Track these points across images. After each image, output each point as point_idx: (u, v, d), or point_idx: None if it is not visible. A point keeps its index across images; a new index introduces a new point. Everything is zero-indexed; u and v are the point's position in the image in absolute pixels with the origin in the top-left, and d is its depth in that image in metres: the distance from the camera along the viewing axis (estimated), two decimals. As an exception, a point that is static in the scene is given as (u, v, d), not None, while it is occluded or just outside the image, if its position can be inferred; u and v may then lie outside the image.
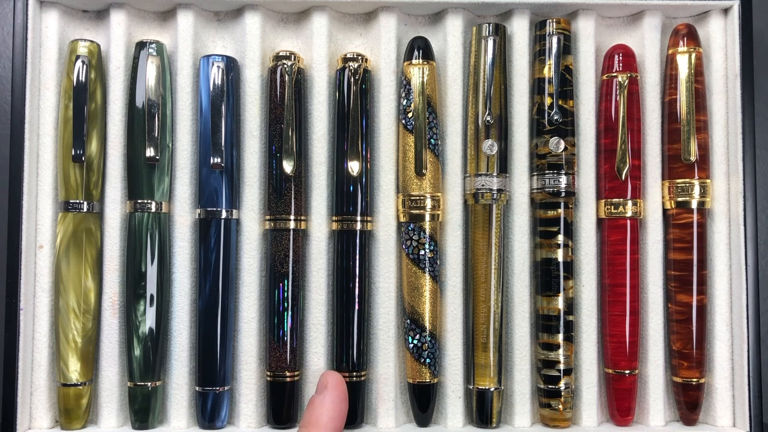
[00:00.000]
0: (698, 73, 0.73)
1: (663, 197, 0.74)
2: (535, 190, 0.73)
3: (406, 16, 0.76)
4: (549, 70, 0.73)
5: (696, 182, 0.72)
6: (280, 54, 0.73)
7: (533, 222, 0.74)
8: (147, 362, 0.70)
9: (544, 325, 0.72)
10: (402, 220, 0.73)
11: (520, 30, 0.74)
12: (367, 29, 0.77)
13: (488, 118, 0.72)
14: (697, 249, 0.72)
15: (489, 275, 0.72)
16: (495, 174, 0.72)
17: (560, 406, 0.71)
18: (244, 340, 0.71)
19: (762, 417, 0.71)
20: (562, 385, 0.71)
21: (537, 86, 0.74)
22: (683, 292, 0.72)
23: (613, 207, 0.73)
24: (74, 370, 0.69)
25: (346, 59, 0.73)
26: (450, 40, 0.74)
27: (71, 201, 0.70)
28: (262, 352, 0.72)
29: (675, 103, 0.73)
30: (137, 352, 0.70)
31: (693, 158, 0.72)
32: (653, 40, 0.75)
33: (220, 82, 0.72)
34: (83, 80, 0.71)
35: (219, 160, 0.71)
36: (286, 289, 0.71)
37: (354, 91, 0.73)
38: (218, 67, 0.72)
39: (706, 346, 0.73)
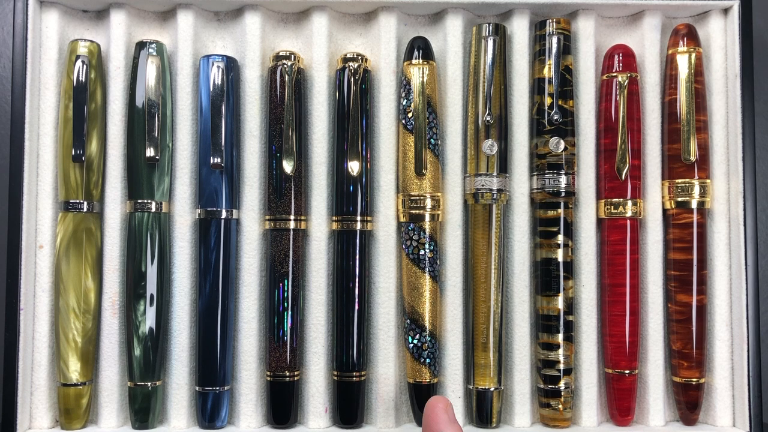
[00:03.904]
0: (698, 73, 0.73)
1: (663, 197, 0.74)
2: (535, 190, 0.73)
3: (406, 16, 0.76)
4: (549, 70, 0.73)
5: (696, 182, 0.72)
6: (280, 54, 0.73)
7: (533, 222, 0.74)
8: (147, 362, 0.70)
9: (544, 325, 0.72)
10: (402, 220, 0.73)
11: (520, 30, 0.74)
12: (367, 29, 0.77)
13: (488, 118, 0.72)
14: (697, 249, 0.72)
15: (489, 275, 0.72)
16: (495, 174, 0.72)
17: (560, 406, 0.71)
18: (244, 340, 0.71)
19: (762, 417, 0.71)
20: (562, 385, 0.71)
21: (537, 86, 0.74)
22: (683, 292, 0.72)
23: (613, 207, 0.73)
24: (74, 370, 0.69)
25: (346, 59, 0.74)
26: (450, 40, 0.74)
27: (71, 201, 0.70)
28: (262, 352, 0.72)
29: (675, 103, 0.73)
30: (137, 352, 0.70)
31: (693, 158, 0.72)
32: (653, 40, 0.75)
33: (220, 82, 0.72)
34: (83, 80, 0.71)
35: (219, 160, 0.71)
36: (286, 289, 0.71)
37: (354, 91, 0.73)
38: (218, 67, 0.72)
39: (706, 346, 0.73)
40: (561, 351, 0.71)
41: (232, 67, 0.73)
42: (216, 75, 0.72)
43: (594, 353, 0.73)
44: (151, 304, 0.70)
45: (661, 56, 0.75)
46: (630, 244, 0.72)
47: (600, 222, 0.74)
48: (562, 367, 0.71)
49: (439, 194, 0.73)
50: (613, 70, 0.74)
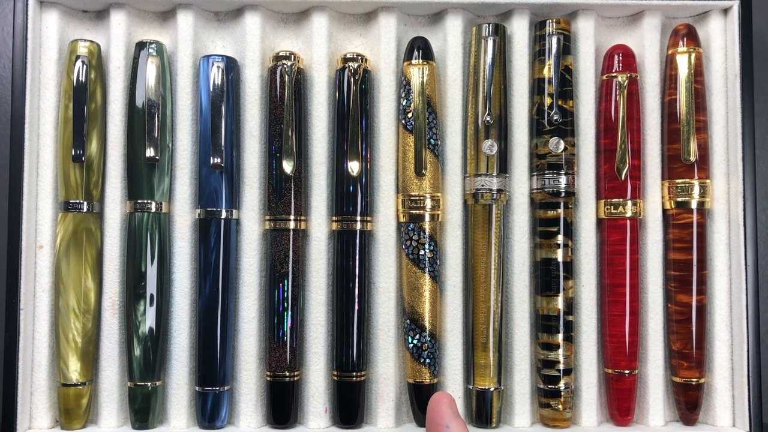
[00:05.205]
0: (698, 73, 0.73)
1: (663, 197, 0.74)
2: (535, 190, 0.73)
3: (406, 16, 0.76)
4: (549, 70, 0.73)
5: (696, 182, 0.72)
6: (280, 54, 0.73)
7: (533, 222, 0.74)
8: (147, 362, 0.70)
9: (544, 325, 0.72)
10: (402, 220, 0.73)
11: (519, 30, 0.74)
12: (367, 29, 0.77)
13: (488, 118, 0.72)
14: (697, 249, 0.72)
15: (489, 275, 0.72)
16: (495, 174, 0.72)
17: (560, 406, 0.71)
18: (244, 340, 0.71)
19: (762, 417, 0.71)
20: (561, 385, 0.71)
21: (537, 86, 0.74)
22: (683, 292, 0.72)
23: (612, 207, 0.73)
24: (74, 370, 0.69)
25: (346, 59, 0.74)
26: (450, 40, 0.74)
27: (71, 201, 0.70)
28: (262, 352, 0.72)
29: (675, 103, 0.73)
30: (137, 352, 0.70)
31: (693, 158, 0.72)
32: (653, 40, 0.75)
33: (220, 82, 0.72)
34: (83, 80, 0.71)
35: (219, 160, 0.71)
36: (286, 289, 0.71)
37: (354, 91, 0.73)
38: (218, 67, 0.72)
39: (706, 346, 0.73)
40: (561, 351, 0.71)
41: (232, 67, 0.73)
42: (216, 75, 0.72)
43: (594, 353, 0.73)
44: (151, 304, 0.70)
45: (661, 56, 0.75)
46: (630, 244, 0.72)
47: (600, 222, 0.74)
48: (562, 367, 0.71)
49: (439, 194, 0.73)
50: (613, 70, 0.74)
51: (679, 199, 0.73)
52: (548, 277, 0.72)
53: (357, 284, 0.71)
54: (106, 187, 0.72)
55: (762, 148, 0.83)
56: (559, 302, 0.72)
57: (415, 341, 0.71)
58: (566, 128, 0.73)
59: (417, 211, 0.72)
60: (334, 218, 0.73)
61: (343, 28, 0.77)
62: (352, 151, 0.72)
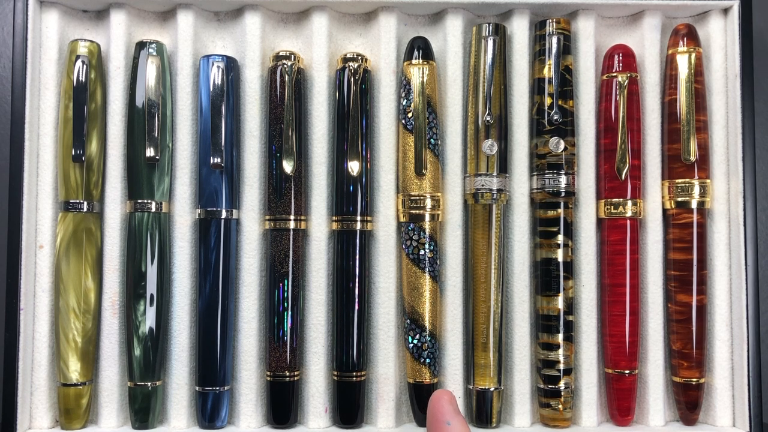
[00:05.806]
0: (698, 73, 0.73)
1: (663, 197, 0.74)
2: (535, 190, 0.73)
3: (406, 16, 0.76)
4: (549, 70, 0.73)
5: (696, 182, 0.72)
6: (280, 54, 0.73)
7: (533, 222, 0.74)
8: (147, 362, 0.70)
9: (544, 325, 0.72)
10: (402, 220, 0.73)
11: (520, 30, 0.74)
12: (367, 29, 0.77)
13: (488, 118, 0.72)
14: (697, 249, 0.72)
15: (489, 275, 0.72)
16: (495, 174, 0.72)
17: (560, 406, 0.71)
18: (244, 340, 0.71)
19: (762, 417, 0.71)
20: (562, 385, 0.71)
21: (537, 86, 0.74)
22: (683, 292, 0.72)
23: (612, 207, 0.73)
24: (74, 370, 0.69)
25: (346, 59, 0.74)
26: (450, 40, 0.74)
27: (71, 201, 0.70)
28: (262, 352, 0.72)
29: (675, 103, 0.73)
30: (137, 352, 0.70)
31: (693, 158, 0.72)
32: (653, 40, 0.75)
33: (220, 82, 0.72)
34: (83, 80, 0.71)
35: (219, 160, 0.71)
36: (286, 289, 0.71)
37: (354, 91, 0.73)
38: (218, 67, 0.72)
39: (706, 346, 0.73)
40: (561, 351, 0.71)
41: (232, 67, 0.73)
42: (216, 75, 0.72)
43: (594, 353, 0.73)
44: (151, 304, 0.70)
45: (661, 56, 0.75)
46: (630, 244, 0.72)
47: (600, 222, 0.74)
48: (562, 367, 0.71)
49: (439, 194, 0.73)
50: (613, 70, 0.74)
51: (679, 199, 0.73)
52: (548, 277, 0.72)
53: (357, 284, 0.71)
54: (106, 187, 0.72)
55: (762, 148, 0.83)
56: (559, 302, 0.72)
57: (415, 341, 0.71)
58: (566, 128, 0.73)
59: (417, 211, 0.72)
60: (334, 218, 0.73)
61: (343, 28, 0.77)
62: (352, 151, 0.72)
